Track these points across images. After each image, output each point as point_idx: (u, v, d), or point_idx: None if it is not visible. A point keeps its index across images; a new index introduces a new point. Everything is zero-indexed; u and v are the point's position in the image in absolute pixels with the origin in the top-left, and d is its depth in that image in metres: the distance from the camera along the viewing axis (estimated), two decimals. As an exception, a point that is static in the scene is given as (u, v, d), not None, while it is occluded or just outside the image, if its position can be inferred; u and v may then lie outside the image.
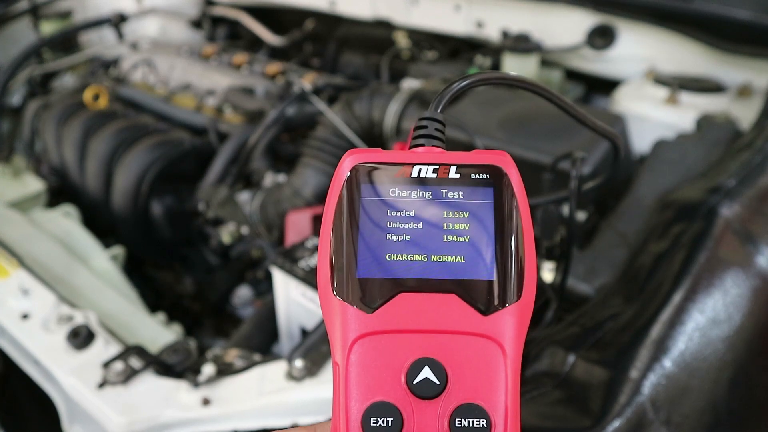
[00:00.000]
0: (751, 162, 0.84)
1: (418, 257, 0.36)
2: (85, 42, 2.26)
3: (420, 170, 0.37)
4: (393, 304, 0.35)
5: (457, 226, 0.36)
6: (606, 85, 1.53)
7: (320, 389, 0.83)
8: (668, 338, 0.62)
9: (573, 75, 1.59)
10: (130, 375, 0.88)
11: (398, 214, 0.37)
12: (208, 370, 0.88)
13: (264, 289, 1.54)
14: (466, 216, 0.37)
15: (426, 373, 0.34)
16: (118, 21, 2.11)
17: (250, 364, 0.90)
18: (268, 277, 1.42)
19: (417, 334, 0.35)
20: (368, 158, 0.38)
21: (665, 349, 0.61)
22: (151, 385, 0.88)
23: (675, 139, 1.17)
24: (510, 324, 0.35)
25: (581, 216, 1.04)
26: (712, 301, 0.66)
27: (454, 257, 0.36)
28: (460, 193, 0.37)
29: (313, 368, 0.85)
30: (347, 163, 0.38)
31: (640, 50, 1.47)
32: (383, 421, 0.33)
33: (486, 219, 0.36)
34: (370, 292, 0.35)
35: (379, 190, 0.37)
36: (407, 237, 0.36)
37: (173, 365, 0.91)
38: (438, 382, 0.34)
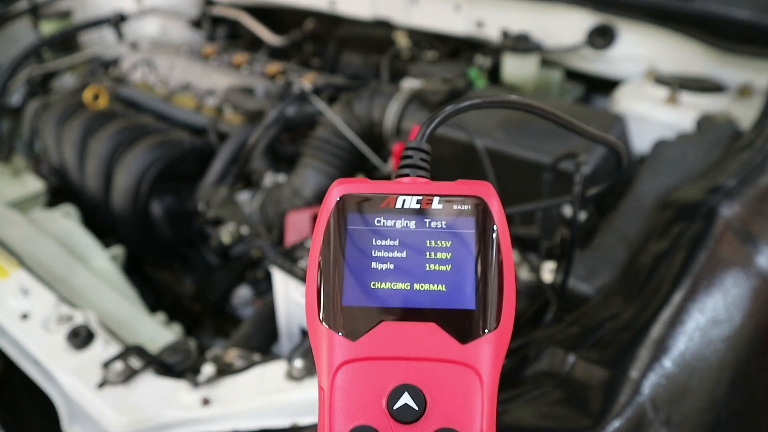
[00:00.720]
0: (751, 162, 0.84)
1: (402, 285, 0.37)
2: (85, 42, 2.26)
3: (404, 201, 0.39)
4: (376, 332, 0.37)
5: (439, 255, 0.38)
6: (606, 85, 1.53)
7: (320, 389, 0.83)
8: (668, 338, 0.62)
9: (573, 75, 1.59)
10: (129, 375, 0.88)
11: (383, 243, 0.38)
12: (207, 370, 0.88)
13: (264, 289, 1.54)
14: (448, 245, 0.38)
15: (406, 399, 0.35)
16: (117, 21, 2.10)
17: (250, 364, 0.90)
18: (268, 277, 1.42)
19: (398, 361, 0.36)
20: (355, 188, 0.40)
21: (665, 349, 0.61)
22: (150, 385, 0.88)
23: (675, 139, 1.17)
24: (487, 352, 0.36)
25: (581, 216, 1.04)
26: (713, 301, 0.66)
27: (435, 285, 0.37)
28: (443, 222, 0.39)
29: (312, 368, 0.85)
30: (335, 192, 0.39)
31: (640, 50, 1.47)
32: None
33: (467, 248, 0.38)
34: (355, 320, 0.37)
35: (365, 219, 0.39)
36: (391, 266, 0.38)
37: (173, 365, 0.91)
38: (417, 408, 0.35)
